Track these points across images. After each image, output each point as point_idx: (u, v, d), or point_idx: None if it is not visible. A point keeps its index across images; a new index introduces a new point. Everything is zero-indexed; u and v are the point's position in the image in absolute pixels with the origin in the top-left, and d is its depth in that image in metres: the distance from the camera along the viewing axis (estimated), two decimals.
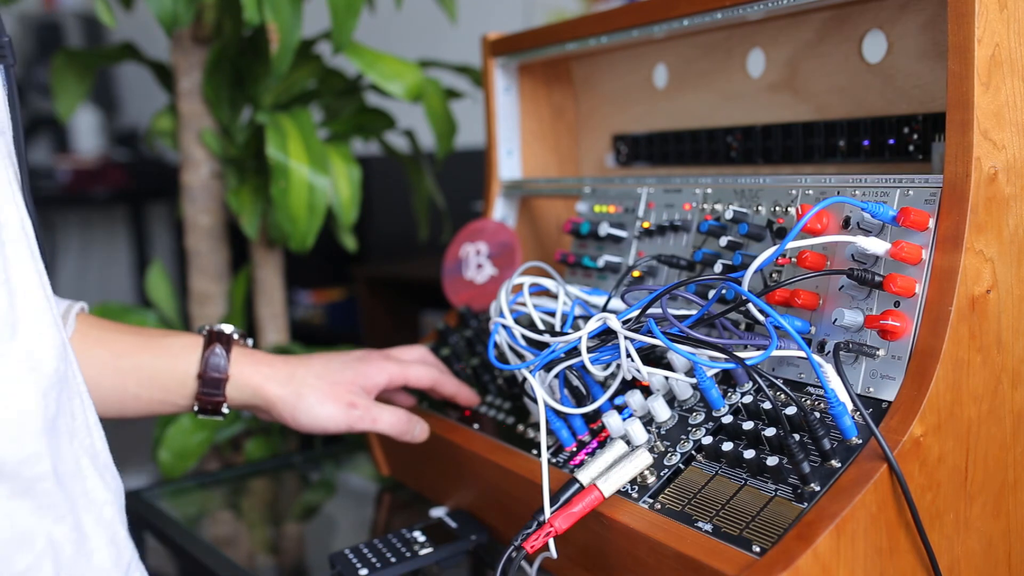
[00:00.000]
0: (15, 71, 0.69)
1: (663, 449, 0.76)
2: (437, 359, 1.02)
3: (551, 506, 0.73)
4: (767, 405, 0.71)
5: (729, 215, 0.84)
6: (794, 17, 0.92)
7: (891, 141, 0.85)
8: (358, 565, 0.87)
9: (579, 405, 0.84)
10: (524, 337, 0.89)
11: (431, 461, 1.02)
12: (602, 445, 0.82)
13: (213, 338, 0.90)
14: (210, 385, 0.89)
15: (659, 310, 0.77)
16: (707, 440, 0.74)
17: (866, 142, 0.87)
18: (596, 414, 0.84)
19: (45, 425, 0.61)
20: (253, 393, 0.91)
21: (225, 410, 0.90)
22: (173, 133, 1.58)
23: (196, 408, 0.90)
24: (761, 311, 0.74)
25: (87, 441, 0.68)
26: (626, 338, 0.78)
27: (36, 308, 0.62)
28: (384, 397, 1.01)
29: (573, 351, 0.81)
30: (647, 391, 0.82)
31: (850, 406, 0.68)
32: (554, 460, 0.84)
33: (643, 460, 0.74)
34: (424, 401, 1.05)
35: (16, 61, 0.70)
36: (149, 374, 0.89)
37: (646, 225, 0.96)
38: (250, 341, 0.96)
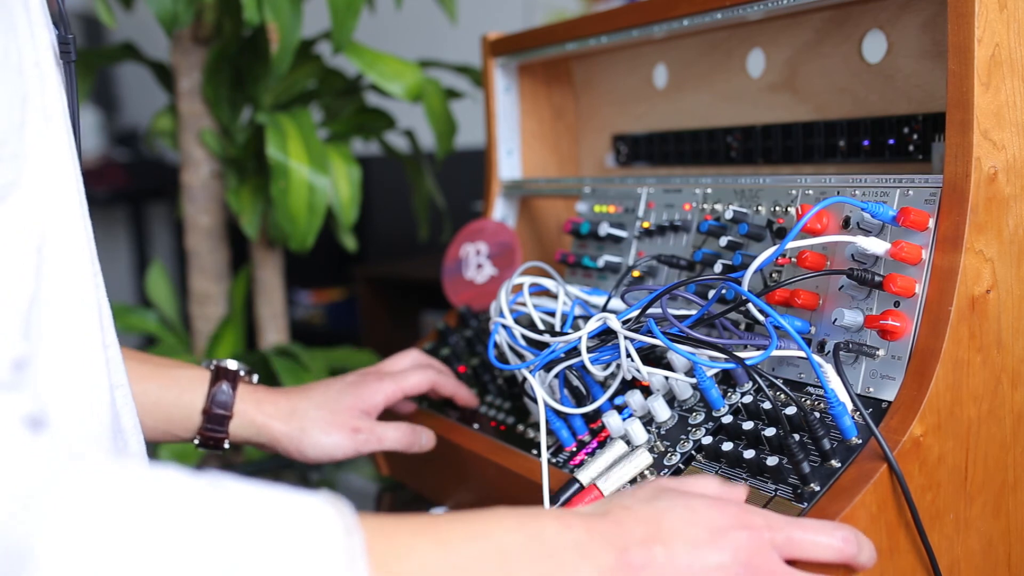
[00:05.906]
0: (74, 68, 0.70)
1: (663, 449, 0.76)
2: (430, 358, 1.02)
3: (551, 506, 0.73)
4: (767, 405, 0.71)
5: (729, 215, 0.84)
6: (794, 17, 0.92)
7: (891, 141, 0.85)
8: None
9: (579, 405, 0.84)
10: (524, 337, 0.89)
11: (431, 461, 1.02)
12: (602, 445, 0.82)
13: (220, 375, 0.91)
14: (214, 421, 0.90)
15: (659, 310, 0.77)
16: (707, 440, 0.74)
17: (866, 142, 0.87)
18: (596, 414, 0.84)
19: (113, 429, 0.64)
20: (258, 431, 0.92)
21: (226, 445, 0.91)
22: (173, 133, 1.58)
23: (197, 442, 0.91)
24: (761, 311, 0.74)
25: (120, 443, 0.69)
26: (626, 338, 0.78)
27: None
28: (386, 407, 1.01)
29: (573, 351, 0.81)
30: (647, 391, 0.82)
31: (850, 406, 0.68)
32: (554, 460, 0.84)
33: (643, 460, 0.74)
34: (424, 401, 1.05)
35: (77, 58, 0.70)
36: (154, 403, 0.89)
37: (646, 225, 0.96)
38: (255, 377, 0.97)
